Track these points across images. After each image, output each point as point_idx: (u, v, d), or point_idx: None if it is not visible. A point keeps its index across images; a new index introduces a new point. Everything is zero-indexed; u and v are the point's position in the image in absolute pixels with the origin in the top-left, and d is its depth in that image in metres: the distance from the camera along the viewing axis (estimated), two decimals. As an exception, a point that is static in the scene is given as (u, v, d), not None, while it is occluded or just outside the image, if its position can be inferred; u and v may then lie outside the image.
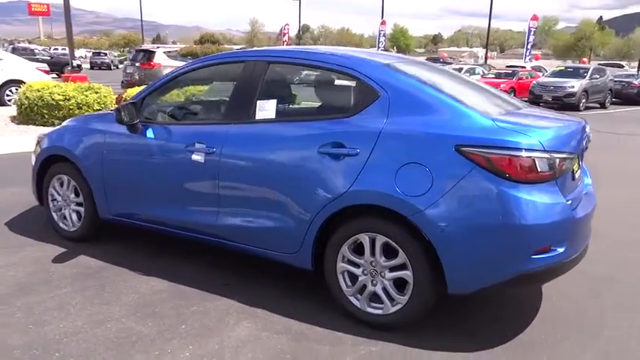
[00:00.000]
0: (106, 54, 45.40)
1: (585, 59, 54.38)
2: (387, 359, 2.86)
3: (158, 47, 16.69)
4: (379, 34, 37.44)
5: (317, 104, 3.77)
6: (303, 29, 60.83)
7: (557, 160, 2.81)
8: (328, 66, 3.36)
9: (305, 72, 3.69)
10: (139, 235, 4.40)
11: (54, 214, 4.50)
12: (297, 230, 3.23)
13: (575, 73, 21.02)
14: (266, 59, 3.54)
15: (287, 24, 44.52)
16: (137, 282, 3.69)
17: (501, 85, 20.15)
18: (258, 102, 3.43)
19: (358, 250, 3.12)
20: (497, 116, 3.01)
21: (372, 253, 3.05)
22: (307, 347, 2.93)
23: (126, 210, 4.04)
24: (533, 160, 2.72)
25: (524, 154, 2.71)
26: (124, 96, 10.96)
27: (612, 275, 4.00)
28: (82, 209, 4.31)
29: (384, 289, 3.07)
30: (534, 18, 32.95)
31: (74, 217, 4.38)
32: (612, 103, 22.11)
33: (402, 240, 2.92)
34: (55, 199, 4.47)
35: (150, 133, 3.81)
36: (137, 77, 15.22)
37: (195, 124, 4.02)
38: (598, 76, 21.12)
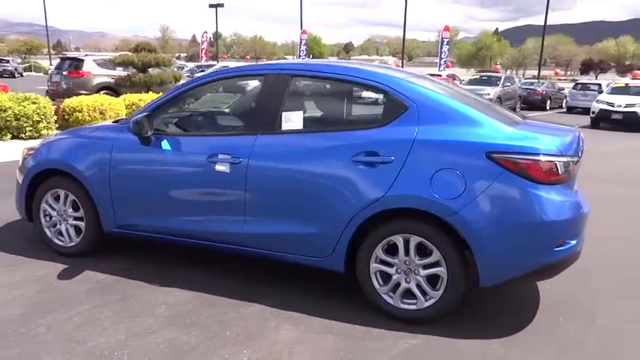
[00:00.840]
0: (8, 61, 42.42)
1: (499, 65, 58.01)
2: (430, 349, 3.10)
3: (87, 55, 15.91)
4: (300, 42, 38.02)
5: (345, 116, 3.94)
6: (216, 37, 60.20)
7: (571, 164, 3.20)
8: (357, 80, 3.55)
9: (330, 85, 3.83)
10: (138, 247, 4.37)
11: (47, 230, 4.33)
12: (331, 235, 3.39)
13: (489, 81, 22.70)
14: (289, 72, 3.67)
15: (205, 31, 44.05)
16: (159, 294, 3.67)
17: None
18: (284, 113, 3.56)
19: (390, 250, 3.34)
20: (515, 126, 3.36)
21: (406, 253, 3.29)
22: (355, 345, 3.11)
23: (136, 222, 3.98)
24: (555, 164, 3.09)
25: (548, 158, 3.06)
26: (62, 106, 10.48)
27: (590, 266, 4.45)
28: (81, 223, 4.19)
29: (418, 286, 3.31)
30: (446, 29, 34.87)
31: (72, 232, 4.25)
32: (521, 109, 23.89)
33: (437, 240, 3.19)
34: (49, 215, 4.31)
35: (165, 145, 3.80)
36: (64, 86, 14.43)
37: (214, 135, 4.04)
38: (509, 84, 22.93)
